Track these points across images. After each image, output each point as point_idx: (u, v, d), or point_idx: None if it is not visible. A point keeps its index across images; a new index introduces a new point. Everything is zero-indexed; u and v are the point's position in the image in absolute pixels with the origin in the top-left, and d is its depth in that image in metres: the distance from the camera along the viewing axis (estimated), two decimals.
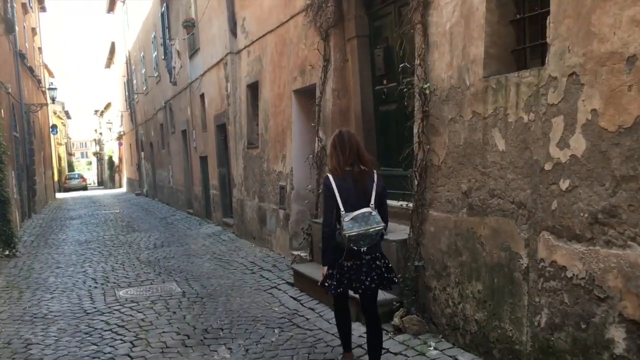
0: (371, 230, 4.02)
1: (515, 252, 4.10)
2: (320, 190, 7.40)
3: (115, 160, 44.80)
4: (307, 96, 8.48)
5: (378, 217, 4.05)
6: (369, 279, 4.16)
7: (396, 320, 5.19)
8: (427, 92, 5.00)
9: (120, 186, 41.65)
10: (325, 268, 4.26)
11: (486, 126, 4.42)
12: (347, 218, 4.00)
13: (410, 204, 5.87)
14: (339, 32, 7.31)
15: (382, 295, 4.48)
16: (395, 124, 6.66)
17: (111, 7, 33.47)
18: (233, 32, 11.30)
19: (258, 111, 10.22)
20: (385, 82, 6.80)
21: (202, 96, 14.23)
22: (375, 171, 4.25)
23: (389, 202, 6.44)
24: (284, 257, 8.84)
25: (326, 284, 4.26)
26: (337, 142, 4.25)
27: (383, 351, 4.47)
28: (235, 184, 11.71)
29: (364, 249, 4.05)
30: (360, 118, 7.15)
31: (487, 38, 4.46)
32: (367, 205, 4.06)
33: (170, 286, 7.67)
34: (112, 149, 46.44)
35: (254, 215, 10.46)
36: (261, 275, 7.97)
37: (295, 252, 8.38)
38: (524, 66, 4.44)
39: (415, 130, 5.35)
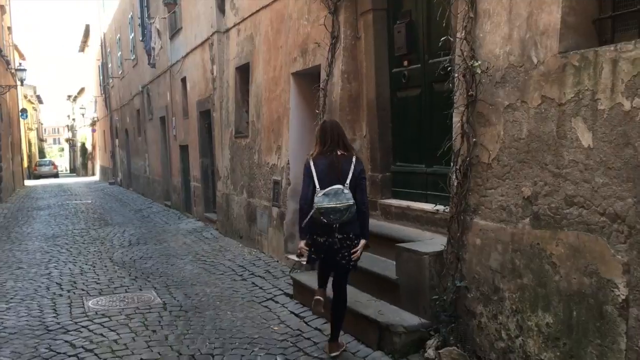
0: (340, 205, 4.30)
1: (606, 279, 3.16)
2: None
3: (89, 147, 43.23)
4: (308, 80, 7.46)
5: (349, 195, 4.34)
6: (339, 255, 4.44)
7: (430, 353, 4.24)
8: (478, 71, 4.01)
9: (93, 174, 40.17)
10: (303, 242, 4.53)
11: (563, 115, 3.46)
12: (319, 194, 4.35)
13: (439, 207, 4.94)
14: (350, 4, 6.29)
15: (413, 320, 4.55)
16: (417, 113, 5.69)
17: None
18: (221, 9, 10.21)
19: (249, 97, 9.17)
20: (406, 63, 5.82)
21: (183, 80, 13.10)
22: (355, 156, 4.54)
23: (410, 203, 5.54)
24: (277, 261, 7.83)
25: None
26: (320, 130, 4.64)
27: None
28: (220, 177, 10.65)
29: (336, 224, 4.34)
30: (374, 105, 6.16)
31: (564, 2, 3.50)
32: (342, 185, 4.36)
33: (149, 295, 6.62)
34: (85, 136, 44.82)
35: (242, 212, 9.42)
36: (253, 283, 6.95)
37: (291, 256, 7.39)
38: (610, 39, 3.50)
39: (455, 120, 4.38)
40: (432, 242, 4.85)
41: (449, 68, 4.75)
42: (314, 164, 4.49)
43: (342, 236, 4.37)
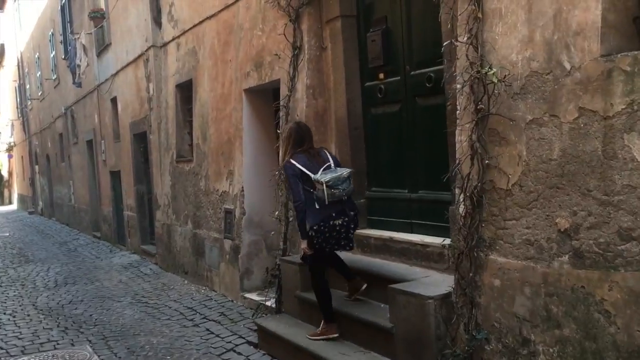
0: (343, 173, 4.40)
1: None
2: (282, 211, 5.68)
3: (5, 174, 40.43)
4: (264, 96, 6.71)
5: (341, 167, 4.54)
6: (349, 237, 4.53)
7: None
8: (495, 80, 3.37)
9: (10, 203, 37.50)
10: (305, 242, 4.47)
11: (611, 130, 2.86)
12: (318, 175, 4.38)
13: (438, 240, 4.29)
14: (314, 11, 5.60)
15: None
16: (397, 131, 5.04)
17: (0, 6, 29.91)
18: (157, 21, 9.30)
19: (192, 117, 8.28)
20: (382, 76, 5.16)
21: (114, 100, 12.01)
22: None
23: (393, 234, 4.88)
24: (232, 301, 6.93)
25: (308, 256, 4.57)
26: (294, 131, 4.69)
27: None
28: (160, 205, 9.65)
29: (344, 197, 4.39)
30: (345, 124, 5.46)
31: None
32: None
33: (83, 352, 5.59)
34: (0, 162, 41.96)
35: (187, 244, 8.47)
36: (208, 330, 6.04)
37: (249, 295, 6.57)
38: None
39: (460, 138, 3.72)
40: (430, 281, 4.16)
41: (444, 80, 4.14)
42: (297, 161, 4.50)
43: (353, 213, 4.48)
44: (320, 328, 4.67)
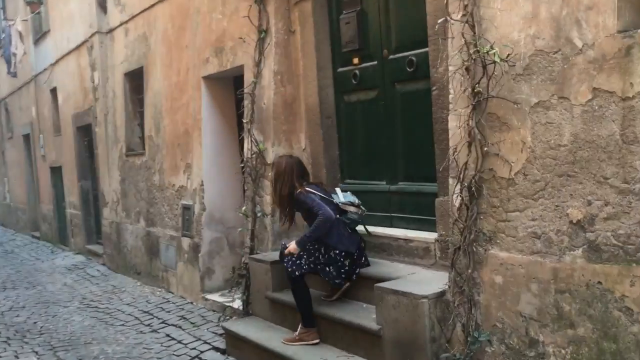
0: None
1: None
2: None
3: None
4: (225, 84, 6.30)
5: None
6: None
7: None
8: (497, 59, 3.10)
9: None
10: (297, 249, 4.24)
11: (631, 112, 2.64)
12: (342, 197, 4.39)
13: (423, 235, 4.04)
14: None
15: None
16: (374, 119, 4.74)
17: None
18: (102, 6, 8.69)
19: (144, 107, 7.75)
20: (357, 60, 4.85)
21: (53, 91, 11.25)
22: None
23: (371, 228, 4.56)
24: (192, 303, 6.49)
25: (291, 263, 4.26)
26: (294, 164, 4.46)
27: None
28: (108, 202, 9.06)
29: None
30: (316, 112, 5.12)
31: None
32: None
33: None
34: None
35: (139, 243, 7.94)
36: (168, 335, 5.59)
37: (211, 297, 6.17)
38: None
39: (454, 125, 3.45)
40: (418, 279, 3.89)
41: (429, 63, 3.87)
42: (312, 189, 4.36)
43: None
44: (298, 333, 4.33)
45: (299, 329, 4.33)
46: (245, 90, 5.44)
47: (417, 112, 4.33)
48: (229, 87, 6.36)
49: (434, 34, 3.90)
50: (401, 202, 4.56)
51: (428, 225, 4.25)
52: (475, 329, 3.29)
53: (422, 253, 4.17)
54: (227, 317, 5.42)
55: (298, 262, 4.22)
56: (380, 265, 4.34)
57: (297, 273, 4.24)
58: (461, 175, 3.36)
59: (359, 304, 4.29)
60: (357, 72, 4.83)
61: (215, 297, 6.16)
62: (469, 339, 3.28)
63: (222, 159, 6.36)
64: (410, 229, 4.44)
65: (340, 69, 5.02)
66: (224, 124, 6.40)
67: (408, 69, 4.34)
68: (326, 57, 5.08)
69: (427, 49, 4.08)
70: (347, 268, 4.23)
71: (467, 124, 3.32)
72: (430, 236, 4.13)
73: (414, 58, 4.29)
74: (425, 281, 3.78)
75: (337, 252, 4.19)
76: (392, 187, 4.62)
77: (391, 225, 4.57)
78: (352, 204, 4.32)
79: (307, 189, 4.32)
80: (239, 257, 6.40)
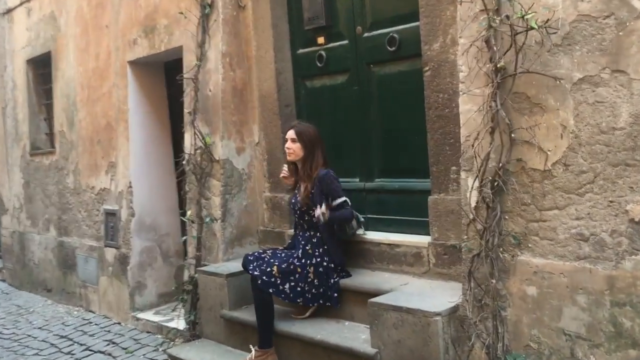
0: None
1: None
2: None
3: None
4: (156, 70, 5.51)
5: None
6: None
7: None
8: (535, 26, 2.57)
9: None
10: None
11: None
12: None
13: (411, 239, 3.52)
14: None
15: None
16: (345, 107, 4.13)
17: None
18: None
19: (52, 98, 6.71)
20: (322, 40, 4.23)
21: None
22: None
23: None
24: (120, 324, 5.59)
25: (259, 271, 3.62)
26: (318, 135, 3.81)
27: None
28: (7, 209, 7.86)
29: None
30: (274, 99, 4.45)
31: None
32: None
33: None
34: None
35: (49, 256, 6.88)
36: None
37: (143, 316, 5.35)
38: None
39: (467, 107, 2.91)
40: (415, 290, 3.31)
41: (421, 39, 3.32)
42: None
43: None
44: (252, 355, 3.64)
45: (252, 352, 3.65)
46: (187, 76, 4.66)
47: (399, 97, 3.78)
48: (160, 72, 5.55)
49: (428, 4, 3.36)
50: (379, 202, 3.98)
51: (416, 227, 3.70)
52: (503, 350, 2.76)
53: (412, 260, 3.61)
54: (170, 341, 4.61)
55: (268, 269, 3.59)
56: (361, 275, 3.74)
57: (270, 290, 3.58)
58: (481, 168, 2.82)
59: (339, 322, 3.66)
60: (323, 53, 4.20)
61: (149, 315, 5.32)
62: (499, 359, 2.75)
63: (153, 156, 5.53)
64: (391, 232, 3.88)
65: (301, 50, 4.38)
66: (155, 116, 5.57)
67: (389, 48, 3.77)
68: (284, 37, 4.42)
69: (415, 24, 3.54)
70: (333, 282, 3.63)
71: (489, 107, 2.78)
72: (421, 240, 3.58)
73: (396, 35, 3.73)
74: (426, 293, 3.22)
75: (333, 265, 3.59)
76: (367, 185, 4.03)
77: (367, 228, 3.97)
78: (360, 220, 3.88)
79: (331, 172, 3.73)
80: (174, 268, 5.63)
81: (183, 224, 5.63)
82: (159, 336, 4.99)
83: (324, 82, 4.27)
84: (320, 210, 3.52)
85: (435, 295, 3.15)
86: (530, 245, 2.72)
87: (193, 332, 4.45)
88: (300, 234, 3.84)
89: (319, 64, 4.24)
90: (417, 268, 3.59)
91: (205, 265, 4.47)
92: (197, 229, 4.55)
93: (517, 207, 2.75)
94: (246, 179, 4.60)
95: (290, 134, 3.80)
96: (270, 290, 3.57)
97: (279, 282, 3.59)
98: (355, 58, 4.01)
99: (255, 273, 3.59)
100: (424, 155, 3.60)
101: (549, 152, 2.64)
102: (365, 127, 4.01)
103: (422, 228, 3.66)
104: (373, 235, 3.88)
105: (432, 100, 3.42)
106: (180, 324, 4.66)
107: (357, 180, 4.09)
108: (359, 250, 3.90)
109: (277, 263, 3.64)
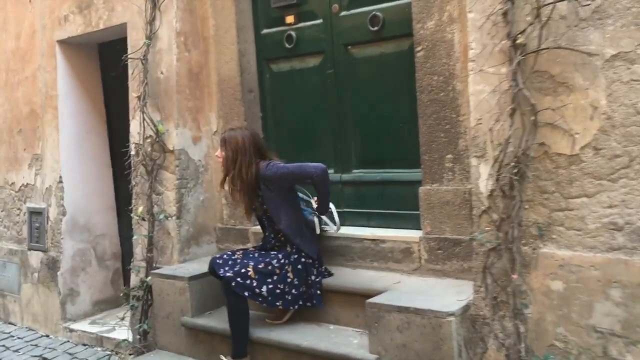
0: None
1: None
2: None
3: None
4: (90, 51, 4.96)
5: None
6: None
7: None
8: None
9: None
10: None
11: None
12: None
13: (397, 233, 3.29)
14: None
15: None
16: (318, 93, 3.82)
17: None
18: None
19: None
20: (292, 19, 3.88)
21: None
22: None
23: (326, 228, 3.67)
24: (49, 336, 4.95)
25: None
26: (255, 137, 3.41)
27: None
28: None
29: None
30: (236, 84, 4.04)
31: None
32: None
33: None
34: None
35: None
36: None
37: (77, 326, 4.85)
38: None
39: (479, 88, 2.68)
40: (413, 288, 3.05)
41: (413, 16, 3.07)
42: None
43: None
44: None
45: None
46: (134, 56, 4.16)
47: (382, 82, 3.51)
48: (94, 54, 4.99)
49: None
50: (357, 195, 3.69)
51: (401, 221, 3.46)
52: (526, 351, 2.54)
53: (400, 256, 3.34)
54: (115, 354, 4.08)
55: (242, 270, 3.20)
56: (344, 274, 3.42)
57: (245, 293, 3.19)
58: (499, 154, 2.58)
59: (321, 325, 3.34)
60: (292, 33, 3.85)
61: (84, 326, 4.75)
62: None
63: (87, 147, 4.96)
64: (371, 226, 3.60)
65: (266, 30, 4.01)
66: (89, 103, 5.01)
67: (371, 28, 3.48)
68: (247, 15, 4.03)
69: (404, 1, 3.28)
70: (314, 279, 3.29)
71: (509, 87, 2.55)
72: (411, 235, 3.32)
73: (379, 14, 3.44)
74: (428, 292, 2.96)
75: (310, 260, 3.24)
76: (344, 177, 3.73)
77: (344, 224, 3.66)
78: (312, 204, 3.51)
79: (274, 160, 3.35)
80: (111, 273, 5.09)
81: (121, 223, 5.13)
82: (99, 349, 4.45)
83: (293, 65, 3.92)
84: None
85: (439, 294, 2.89)
86: (554, 236, 2.52)
87: (144, 344, 3.96)
88: (268, 232, 3.48)
89: (287, 45, 3.88)
90: (406, 265, 3.32)
91: (159, 267, 4.00)
92: (148, 227, 4.06)
93: (539, 196, 2.54)
94: (203, 172, 4.17)
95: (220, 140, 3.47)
96: (246, 294, 3.19)
97: (254, 284, 3.21)
98: (331, 39, 3.70)
99: (228, 275, 3.20)
100: (411, 143, 3.37)
101: (576, 136, 2.44)
102: (341, 114, 3.71)
103: (408, 222, 3.42)
104: (353, 231, 3.58)
105: (425, 83, 3.17)
106: (125, 334, 4.14)
107: (333, 172, 3.75)
108: (336, 247, 3.59)
109: (252, 263, 3.27)
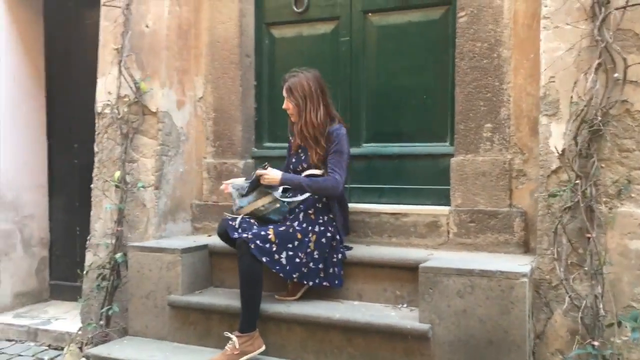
0: None
1: None
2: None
3: None
4: (30, 1, 4.29)
5: None
6: None
7: None
8: None
9: None
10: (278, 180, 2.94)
11: None
12: None
13: (423, 208, 3.13)
14: None
15: None
16: (326, 62, 3.59)
17: None
18: None
19: None
20: None
21: None
22: None
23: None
24: None
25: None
26: (319, 81, 3.09)
27: None
28: None
29: None
30: (232, 46, 3.71)
31: None
32: None
33: None
34: None
35: None
36: None
37: (1, 321, 3.98)
38: None
39: (553, 45, 2.63)
40: (454, 258, 2.85)
41: None
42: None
43: None
44: (236, 345, 2.79)
45: (234, 339, 2.80)
46: (114, 4, 3.65)
47: (405, 52, 3.37)
48: (36, 5, 4.36)
49: None
50: (370, 169, 3.46)
51: (420, 197, 3.30)
52: (605, 312, 2.43)
53: (424, 230, 3.16)
54: (90, 345, 3.36)
55: (263, 233, 2.84)
56: (360, 250, 3.14)
57: (264, 259, 2.80)
58: (578, 112, 2.52)
59: (343, 302, 3.02)
60: None
61: (8, 318, 4.00)
62: (600, 322, 2.41)
63: (19, 114, 4.29)
64: (383, 203, 3.38)
65: None
66: (27, 61, 4.33)
67: None
68: None
69: None
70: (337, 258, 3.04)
71: (589, 43, 2.52)
72: (437, 209, 3.16)
73: None
74: (475, 260, 2.78)
75: (339, 238, 2.99)
76: (355, 151, 3.48)
77: (349, 200, 3.40)
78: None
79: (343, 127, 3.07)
80: (37, 261, 4.38)
81: (51, 205, 4.45)
82: (32, 344, 3.72)
83: (300, 31, 3.66)
84: (264, 174, 2.94)
85: (490, 262, 2.72)
86: (633, 195, 2.48)
87: (106, 331, 3.35)
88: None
89: (296, 9, 3.63)
90: (431, 240, 3.15)
91: (126, 245, 3.44)
92: (120, 197, 3.49)
93: (617, 154, 2.51)
94: (184, 140, 3.72)
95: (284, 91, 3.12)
96: (264, 260, 2.80)
97: (274, 249, 2.83)
98: (349, 4, 3.50)
99: (247, 236, 2.80)
100: (435, 115, 3.28)
101: None
102: (355, 85, 3.50)
103: (426, 197, 3.28)
104: (370, 206, 3.34)
105: (467, 49, 3.08)
106: (69, 326, 3.48)
107: None
108: (351, 223, 3.31)
109: (271, 226, 2.90)
